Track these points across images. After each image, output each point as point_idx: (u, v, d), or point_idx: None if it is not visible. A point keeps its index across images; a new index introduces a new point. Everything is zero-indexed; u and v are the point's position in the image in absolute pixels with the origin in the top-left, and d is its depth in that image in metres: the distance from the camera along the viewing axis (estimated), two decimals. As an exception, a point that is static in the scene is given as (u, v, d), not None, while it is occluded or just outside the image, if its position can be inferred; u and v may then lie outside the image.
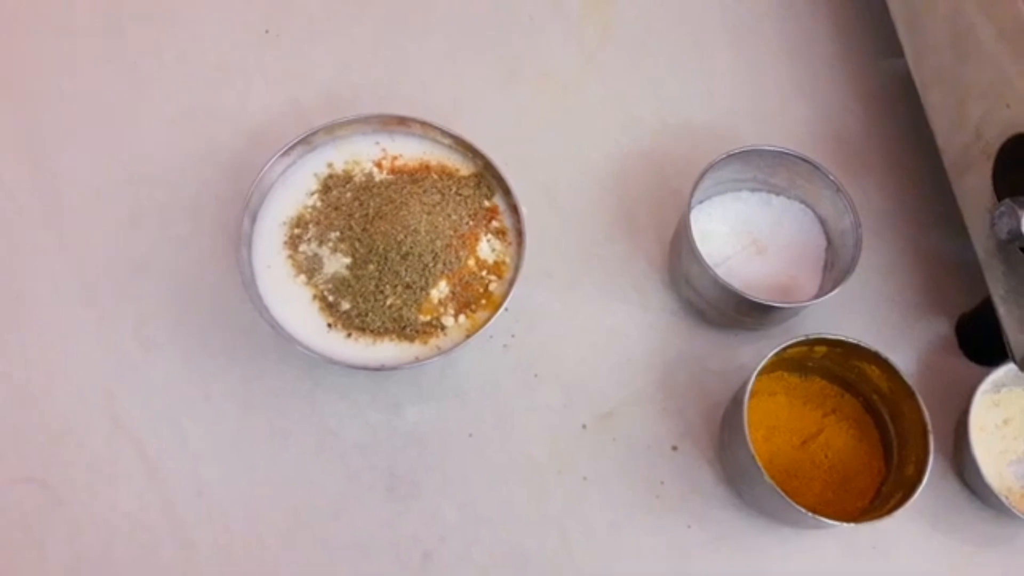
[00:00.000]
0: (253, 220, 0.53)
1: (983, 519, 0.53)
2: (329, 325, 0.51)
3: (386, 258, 0.51)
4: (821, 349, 0.51)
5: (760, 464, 0.46)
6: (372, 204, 0.53)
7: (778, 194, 0.57)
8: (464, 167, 0.56)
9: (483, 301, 0.52)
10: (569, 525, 0.52)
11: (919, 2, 0.56)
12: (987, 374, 0.52)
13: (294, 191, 0.54)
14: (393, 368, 0.50)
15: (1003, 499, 0.49)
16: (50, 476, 0.52)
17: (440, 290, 0.52)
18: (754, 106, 0.66)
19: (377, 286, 0.51)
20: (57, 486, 0.51)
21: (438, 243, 0.52)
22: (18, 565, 0.50)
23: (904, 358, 0.56)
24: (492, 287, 0.53)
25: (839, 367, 0.52)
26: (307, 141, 0.54)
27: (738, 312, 0.53)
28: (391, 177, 0.55)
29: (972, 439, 0.50)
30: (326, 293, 0.51)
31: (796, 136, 0.64)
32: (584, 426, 0.54)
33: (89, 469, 0.52)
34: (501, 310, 0.51)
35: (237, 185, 0.58)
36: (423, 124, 0.55)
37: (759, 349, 0.55)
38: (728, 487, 0.53)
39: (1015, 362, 0.49)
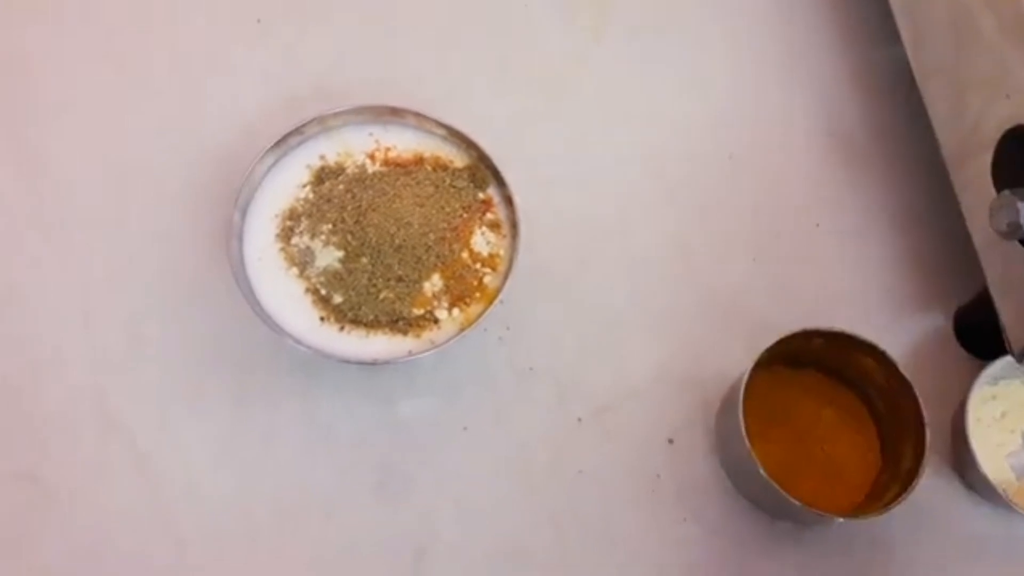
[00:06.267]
0: (244, 213, 0.53)
1: (980, 513, 0.53)
2: (322, 319, 0.50)
3: (379, 251, 0.51)
4: (818, 342, 0.51)
5: (756, 458, 0.46)
6: (365, 196, 0.52)
7: None
8: (458, 159, 0.55)
9: (477, 294, 0.52)
10: (564, 519, 0.52)
11: (918, -9, 0.56)
12: (984, 367, 0.52)
13: (286, 183, 0.54)
14: (386, 362, 0.49)
15: (1001, 492, 0.49)
16: (41, 472, 0.51)
17: (433, 283, 0.51)
18: (752, 99, 0.65)
19: (370, 279, 0.51)
20: (48, 482, 0.51)
21: (431, 236, 0.51)
22: (9, 560, 0.49)
23: (901, 351, 0.56)
24: (486, 280, 0.52)
25: (836, 360, 0.52)
26: (299, 132, 0.54)
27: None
28: (384, 169, 0.54)
29: (969, 432, 0.50)
30: (318, 286, 0.51)
31: (794, 127, 0.64)
32: (579, 420, 0.54)
33: (80, 465, 0.51)
34: (496, 303, 0.51)
35: (228, 177, 0.57)
36: (417, 115, 0.55)
37: (756, 341, 0.54)
38: (724, 481, 0.53)
39: (1013, 355, 0.49)
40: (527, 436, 0.53)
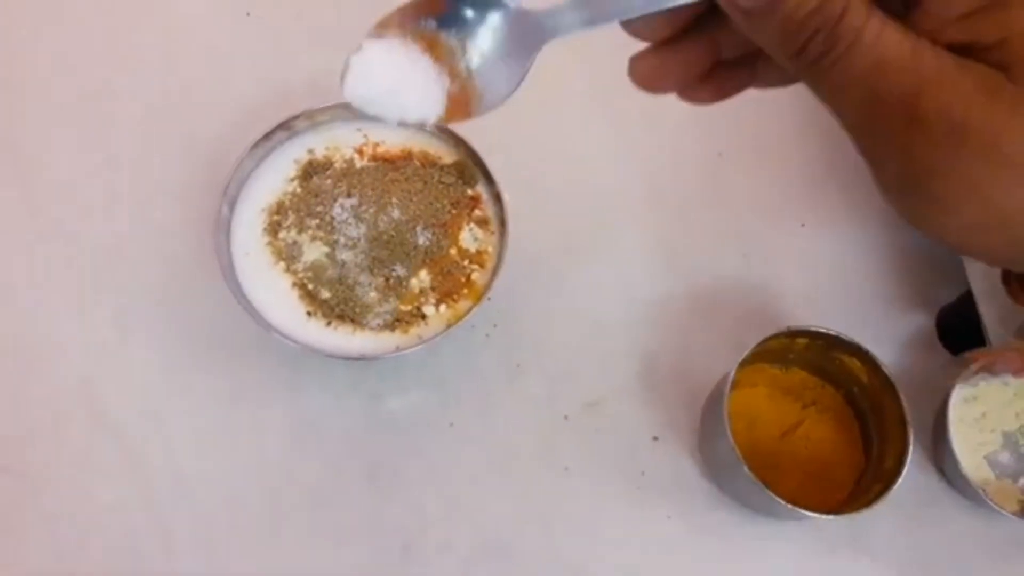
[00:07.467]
0: (232, 206, 0.52)
1: (961, 511, 0.53)
2: (309, 313, 0.50)
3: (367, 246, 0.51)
4: (802, 341, 0.51)
5: (740, 455, 0.46)
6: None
7: None
8: (447, 155, 0.55)
9: (465, 291, 0.52)
10: (550, 515, 0.52)
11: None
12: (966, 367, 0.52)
13: (274, 177, 0.54)
14: (374, 358, 0.49)
15: (980, 491, 0.50)
16: (26, 466, 0.51)
17: (421, 279, 0.51)
18: (741, 97, 0.65)
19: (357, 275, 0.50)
20: (34, 476, 0.51)
21: (419, 232, 0.51)
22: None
23: (884, 351, 0.56)
24: (474, 276, 0.52)
25: (820, 359, 0.52)
26: (287, 127, 0.54)
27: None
28: (372, 164, 0.54)
29: (950, 432, 0.51)
30: (306, 281, 0.51)
31: (782, 127, 0.64)
32: (566, 417, 0.54)
33: (67, 459, 0.51)
34: (483, 300, 0.51)
35: (216, 171, 0.57)
36: (406, 111, 0.54)
37: (741, 340, 0.55)
38: (708, 478, 0.53)
39: (994, 355, 0.50)
40: (514, 432, 0.54)
